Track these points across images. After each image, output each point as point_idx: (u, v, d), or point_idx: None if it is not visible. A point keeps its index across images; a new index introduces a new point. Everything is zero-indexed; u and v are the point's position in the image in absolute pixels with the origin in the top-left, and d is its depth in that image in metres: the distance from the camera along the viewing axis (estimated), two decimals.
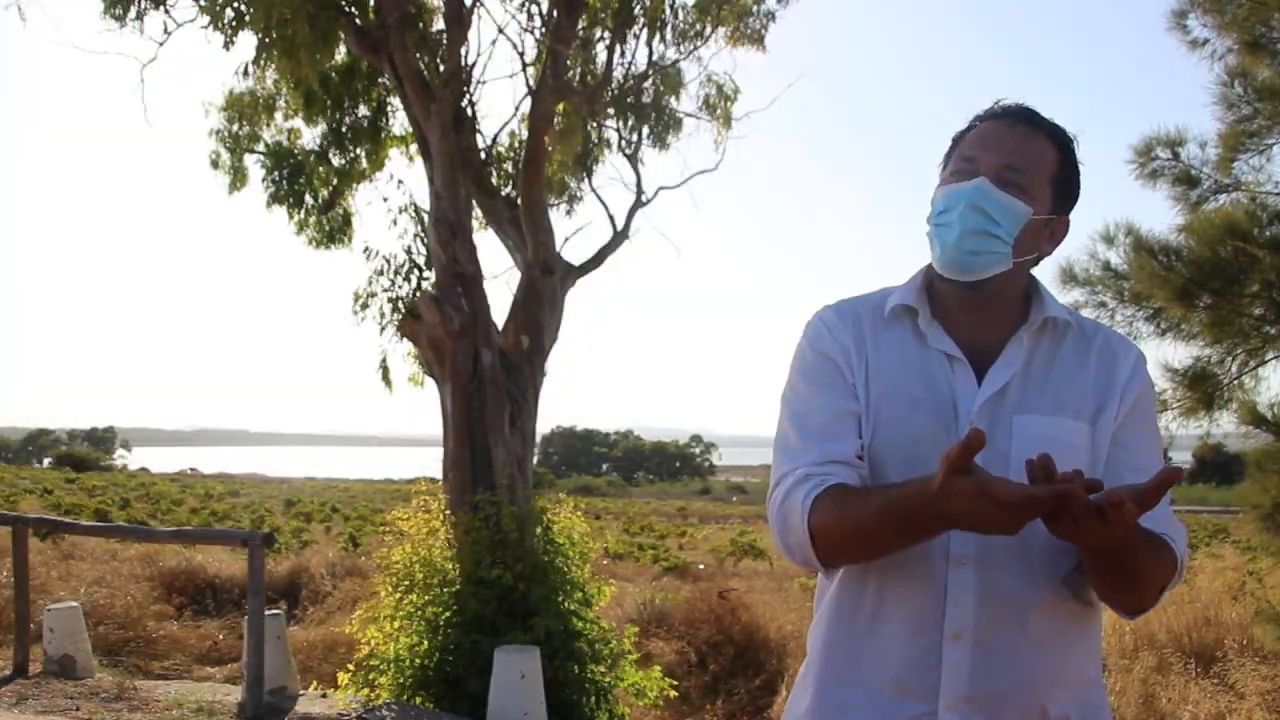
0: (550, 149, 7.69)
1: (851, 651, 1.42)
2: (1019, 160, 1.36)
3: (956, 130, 1.46)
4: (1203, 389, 4.84)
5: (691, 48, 8.22)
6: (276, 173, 8.72)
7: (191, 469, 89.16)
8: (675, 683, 6.20)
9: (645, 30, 8.00)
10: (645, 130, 8.46)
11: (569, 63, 7.73)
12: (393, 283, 8.10)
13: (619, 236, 8.28)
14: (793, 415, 1.44)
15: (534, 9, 7.99)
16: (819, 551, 1.33)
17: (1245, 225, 4.51)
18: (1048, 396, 1.38)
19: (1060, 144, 1.40)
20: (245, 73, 7.13)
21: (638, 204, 8.47)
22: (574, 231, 12.05)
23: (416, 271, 8.19)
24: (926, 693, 1.35)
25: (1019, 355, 1.40)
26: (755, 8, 8.10)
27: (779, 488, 1.39)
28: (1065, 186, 1.40)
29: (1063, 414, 1.37)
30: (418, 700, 5.48)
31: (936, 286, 1.45)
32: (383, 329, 8.15)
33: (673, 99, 8.52)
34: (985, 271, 1.37)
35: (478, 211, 8.02)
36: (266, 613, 5.78)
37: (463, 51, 7.25)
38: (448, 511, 6.29)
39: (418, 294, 7.46)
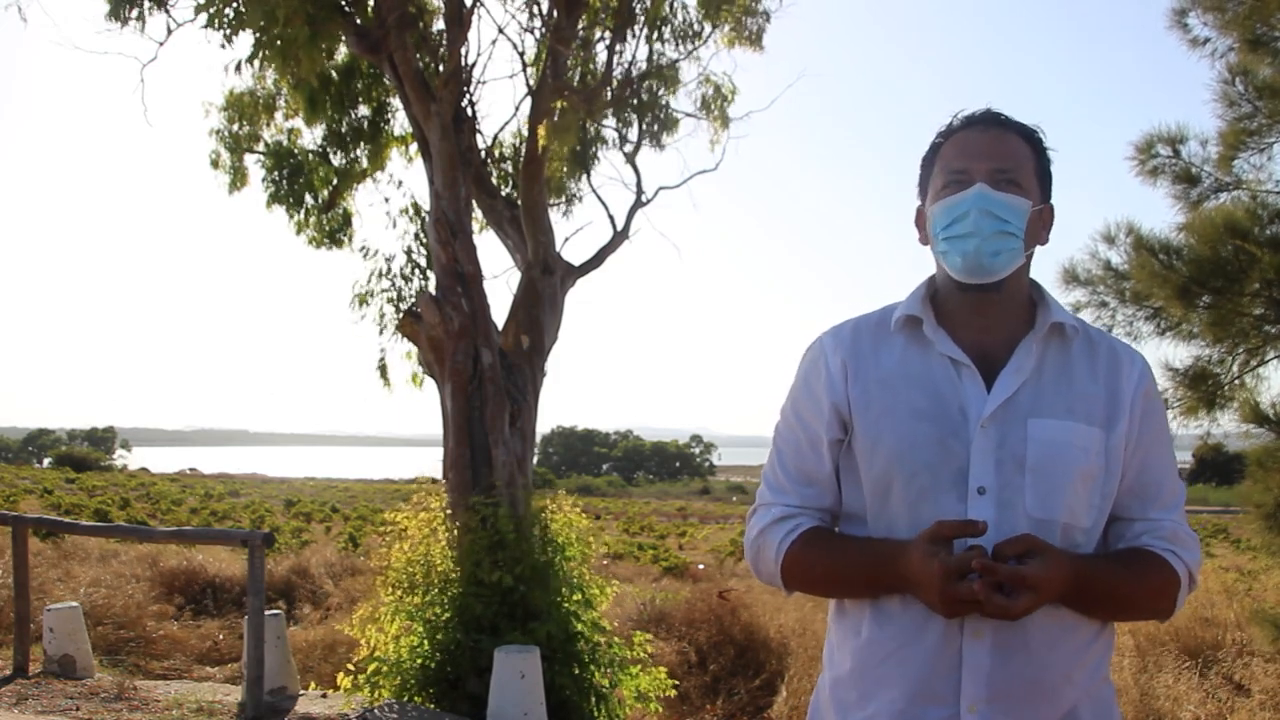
0: (550, 149, 7.68)
1: (881, 661, 1.44)
2: (1005, 161, 1.45)
3: (923, 153, 1.53)
4: (1203, 388, 4.83)
5: (691, 48, 8.22)
6: (276, 173, 8.71)
7: (191, 469, 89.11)
8: (676, 683, 6.19)
9: (645, 30, 7.99)
10: (644, 130, 8.44)
11: (569, 63, 7.72)
12: (393, 283, 8.11)
13: (619, 236, 8.27)
14: (778, 449, 1.59)
15: (534, 9, 7.98)
16: (787, 584, 1.53)
17: (1245, 224, 4.50)
18: (1060, 401, 1.42)
19: (1030, 138, 1.49)
20: (238, 69, 7.09)
21: (637, 204, 8.45)
22: (574, 231, 12.04)
23: (417, 271, 8.19)
24: (949, 696, 1.38)
25: (1029, 361, 1.44)
26: (754, 5, 8.10)
27: (755, 517, 1.57)
28: (1045, 175, 1.50)
29: (1073, 418, 1.41)
30: (418, 700, 5.47)
31: (941, 295, 1.50)
32: (382, 329, 8.16)
33: (671, 99, 8.51)
34: (1007, 269, 1.43)
35: (478, 211, 8.01)
36: (266, 613, 5.78)
37: (463, 51, 7.24)
38: (447, 511, 6.28)
39: (418, 294, 7.45)
